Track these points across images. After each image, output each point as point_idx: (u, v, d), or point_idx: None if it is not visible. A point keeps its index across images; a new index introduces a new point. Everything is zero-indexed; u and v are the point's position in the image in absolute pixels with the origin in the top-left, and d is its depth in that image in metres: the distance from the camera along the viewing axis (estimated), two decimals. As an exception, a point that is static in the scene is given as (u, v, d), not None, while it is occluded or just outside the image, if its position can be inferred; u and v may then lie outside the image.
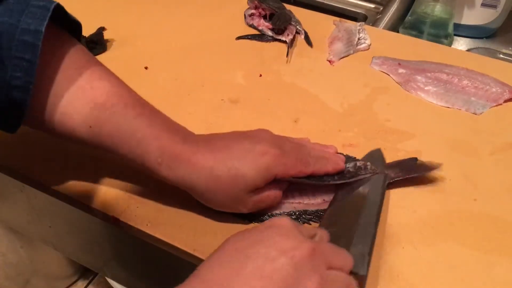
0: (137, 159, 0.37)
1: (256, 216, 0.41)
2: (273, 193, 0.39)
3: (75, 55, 0.37)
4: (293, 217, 0.41)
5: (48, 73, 0.36)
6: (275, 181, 0.39)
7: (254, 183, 0.37)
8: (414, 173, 0.44)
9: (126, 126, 0.36)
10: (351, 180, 0.42)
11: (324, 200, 0.42)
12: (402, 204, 0.43)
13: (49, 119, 0.37)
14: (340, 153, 0.46)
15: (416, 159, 0.46)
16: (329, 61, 0.63)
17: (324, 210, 0.42)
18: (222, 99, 0.55)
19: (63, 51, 0.37)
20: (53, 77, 0.36)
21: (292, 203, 0.42)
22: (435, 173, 0.46)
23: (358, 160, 0.45)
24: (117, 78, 0.39)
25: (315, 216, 0.41)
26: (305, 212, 0.41)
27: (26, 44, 0.33)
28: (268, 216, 0.41)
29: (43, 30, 0.34)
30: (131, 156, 0.37)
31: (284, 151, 0.38)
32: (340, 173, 0.42)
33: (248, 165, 0.36)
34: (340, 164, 0.42)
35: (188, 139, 0.38)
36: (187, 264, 0.40)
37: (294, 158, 0.39)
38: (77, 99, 0.37)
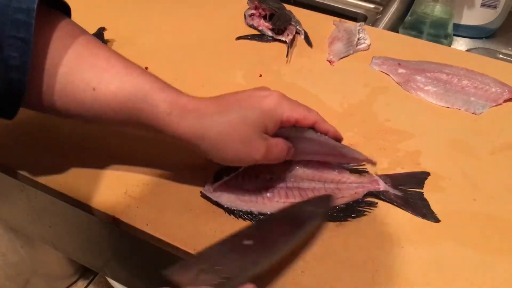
0: (143, 115, 0.37)
1: (257, 216, 0.41)
2: (281, 143, 0.40)
3: (67, 26, 0.37)
4: (293, 216, 0.41)
5: (44, 50, 0.36)
6: (283, 136, 0.40)
7: (263, 122, 0.38)
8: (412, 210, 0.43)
9: (131, 83, 0.37)
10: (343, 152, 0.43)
11: (323, 200, 0.43)
12: (402, 204, 0.43)
13: (51, 95, 0.37)
14: None
15: (428, 174, 0.46)
16: (329, 61, 0.63)
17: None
18: (222, 99, 0.55)
19: (55, 25, 0.36)
20: (49, 52, 0.36)
21: (292, 203, 0.42)
22: (435, 173, 0.46)
23: (357, 172, 0.45)
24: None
25: (315, 216, 0.41)
26: (305, 212, 0.41)
27: (20, 22, 0.33)
28: (269, 215, 0.41)
29: (35, 7, 0.33)
30: (137, 114, 0.37)
31: (287, 97, 0.40)
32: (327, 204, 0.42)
33: (256, 106, 0.38)
34: (340, 134, 0.43)
35: (192, 96, 0.39)
36: (187, 264, 0.40)
37: (297, 103, 0.40)
38: (77, 66, 0.37)
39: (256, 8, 0.69)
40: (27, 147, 0.48)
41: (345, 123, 0.52)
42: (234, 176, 0.42)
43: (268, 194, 0.42)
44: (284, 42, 0.65)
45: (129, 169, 0.46)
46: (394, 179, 0.45)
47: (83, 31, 0.39)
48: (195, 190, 0.43)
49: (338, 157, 0.44)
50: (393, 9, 0.82)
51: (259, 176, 0.44)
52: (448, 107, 0.56)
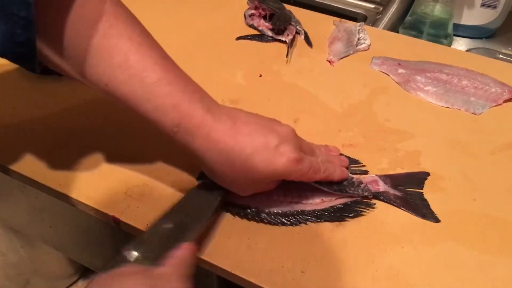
0: (152, 123, 0.36)
1: (254, 214, 0.41)
2: (269, 186, 0.41)
3: (87, 6, 0.34)
4: (290, 217, 0.41)
5: (57, 28, 0.33)
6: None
7: (265, 179, 0.38)
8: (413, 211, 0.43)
9: (143, 91, 0.35)
10: (335, 192, 0.42)
11: (322, 200, 0.42)
12: (401, 204, 0.43)
13: (66, 71, 0.36)
14: (342, 154, 0.46)
15: (428, 174, 0.46)
16: (329, 61, 0.63)
17: (321, 210, 0.42)
18: (222, 99, 0.55)
19: (67, 4, 0.33)
20: (64, 32, 0.34)
21: (290, 202, 0.42)
22: (435, 173, 0.46)
23: (357, 172, 0.45)
24: (140, 30, 0.37)
25: (312, 216, 0.41)
26: (302, 212, 0.41)
27: (19, 1, 0.31)
28: (266, 214, 0.41)
29: None
30: (146, 118, 0.36)
31: (301, 158, 0.37)
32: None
33: (266, 162, 0.36)
34: (345, 174, 0.43)
35: (211, 109, 0.36)
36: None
37: (308, 166, 0.38)
38: (92, 58, 0.35)
39: (256, 8, 0.69)
40: (27, 147, 0.48)
41: (345, 123, 0.52)
42: None
43: (266, 192, 0.42)
44: (284, 42, 0.65)
45: (129, 169, 0.46)
46: (394, 179, 0.45)
47: (103, 11, 0.35)
48: (195, 190, 0.43)
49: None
50: (393, 9, 0.82)
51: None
52: (448, 107, 0.56)
